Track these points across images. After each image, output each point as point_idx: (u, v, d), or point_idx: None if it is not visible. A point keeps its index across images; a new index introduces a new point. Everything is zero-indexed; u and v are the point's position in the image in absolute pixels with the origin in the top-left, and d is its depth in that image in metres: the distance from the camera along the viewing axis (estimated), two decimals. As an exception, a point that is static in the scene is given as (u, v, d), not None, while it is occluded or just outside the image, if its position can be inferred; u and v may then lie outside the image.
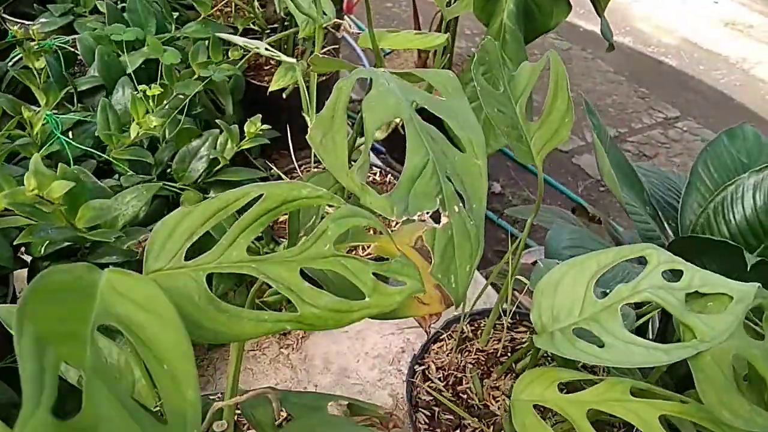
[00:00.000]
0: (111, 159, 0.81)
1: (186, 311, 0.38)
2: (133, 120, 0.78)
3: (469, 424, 0.68)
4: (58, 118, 0.84)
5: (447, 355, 0.75)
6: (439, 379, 0.72)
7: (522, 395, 0.53)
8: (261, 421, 0.48)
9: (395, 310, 0.52)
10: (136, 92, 0.82)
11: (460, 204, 0.47)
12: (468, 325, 0.79)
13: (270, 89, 0.88)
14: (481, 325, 0.79)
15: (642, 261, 0.56)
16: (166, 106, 0.91)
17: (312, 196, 0.42)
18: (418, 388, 0.71)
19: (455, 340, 0.77)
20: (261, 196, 0.41)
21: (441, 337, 0.77)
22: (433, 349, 0.76)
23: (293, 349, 0.94)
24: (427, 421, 0.68)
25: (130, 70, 0.94)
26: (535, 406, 0.52)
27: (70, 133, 0.84)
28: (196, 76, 0.93)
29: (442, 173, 0.47)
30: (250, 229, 0.41)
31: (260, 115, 0.80)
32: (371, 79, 0.58)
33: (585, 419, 0.49)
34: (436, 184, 0.47)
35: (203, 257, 0.40)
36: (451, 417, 0.69)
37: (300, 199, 0.42)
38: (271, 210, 0.41)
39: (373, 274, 0.40)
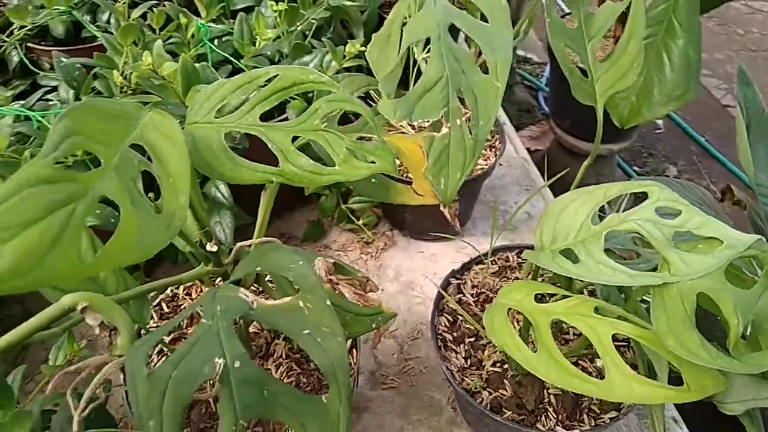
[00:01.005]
0: (241, 65, 0.96)
1: (205, 155, 0.50)
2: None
3: (485, 337, 0.73)
4: (209, 27, 1.01)
5: (484, 277, 0.80)
6: (471, 294, 0.78)
7: (501, 299, 0.58)
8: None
9: (391, 196, 0.60)
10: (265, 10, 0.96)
11: (463, 119, 0.52)
12: (516, 256, 0.83)
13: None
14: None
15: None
16: (298, 28, 1.04)
17: (317, 81, 0.50)
18: (448, 300, 0.78)
19: (498, 266, 0.81)
20: (277, 75, 0.51)
21: (485, 261, 0.82)
22: (474, 270, 0.81)
23: (372, 256, 1.05)
24: (448, 326, 0.75)
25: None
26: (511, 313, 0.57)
27: (215, 41, 1.01)
28: (325, 3, 1.04)
29: (453, 89, 0.53)
30: (265, 101, 0.51)
31: (362, 38, 0.89)
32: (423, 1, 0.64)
33: (547, 327, 0.53)
34: (444, 97, 0.53)
35: (226, 118, 0.51)
36: (471, 328, 0.75)
37: (308, 83, 0.51)
38: (284, 88, 0.51)
39: (346, 148, 0.48)
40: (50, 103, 0.91)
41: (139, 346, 0.38)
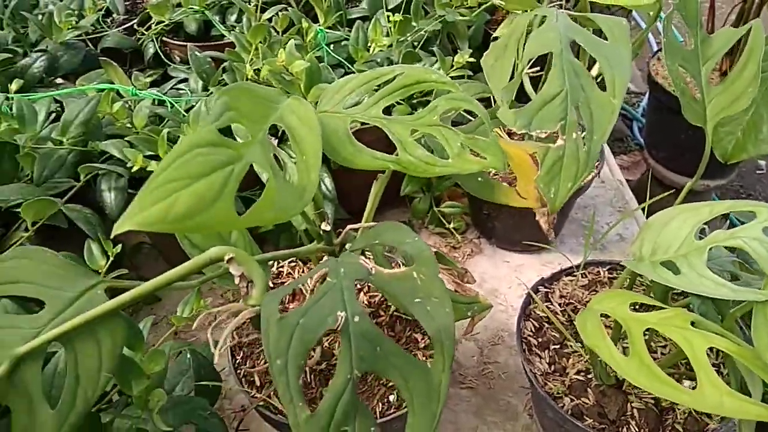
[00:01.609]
0: (354, 69, 1.03)
1: (332, 140, 0.55)
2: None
3: (570, 345, 0.75)
4: (326, 33, 1.08)
5: (573, 289, 0.81)
6: (559, 304, 0.79)
7: (594, 306, 0.59)
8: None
9: (495, 194, 0.63)
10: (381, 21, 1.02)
11: (579, 133, 0.55)
12: (607, 272, 0.83)
13: (493, 36, 1.00)
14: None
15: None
16: (408, 38, 1.09)
17: (439, 80, 0.54)
18: (536, 304, 0.79)
19: (588, 279, 0.82)
20: (402, 74, 0.55)
21: (575, 273, 0.83)
22: (564, 280, 0.82)
23: (458, 261, 1.08)
24: (533, 331, 0.77)
25: (390, 6, 1.15)
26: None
27: (331, 46, 1.08)
28: (437, 16, 1.09)
29: (572, 103, 0.55)
30: (389, 96, 0.56)
31: (470, 51, 0.93)
32: (544, 16, 0.67)
33: (641, 335, 0.54)
34: (562, 110, 0.55)
35: (352, 109, 0.56)
36: (557, 335, 0.76)
37: (430, 81, 0.55)
38: (407, 85, 0.55)
39: (460, 144, 0.51)
40: (181, 91, 1.00)
41: (272, 295, 0.43)
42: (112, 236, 0.36)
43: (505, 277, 1.05)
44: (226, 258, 0.43)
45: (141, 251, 1.02)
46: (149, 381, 0.48)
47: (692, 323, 0.53)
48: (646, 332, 0.56)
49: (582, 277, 0.83)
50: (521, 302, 0.78)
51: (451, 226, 1.08)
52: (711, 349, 0.70)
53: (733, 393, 0.48)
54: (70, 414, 0.43)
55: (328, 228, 0.62)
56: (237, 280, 0.44)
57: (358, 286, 0.73)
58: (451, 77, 0.95)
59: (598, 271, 0.83)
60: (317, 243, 0.62)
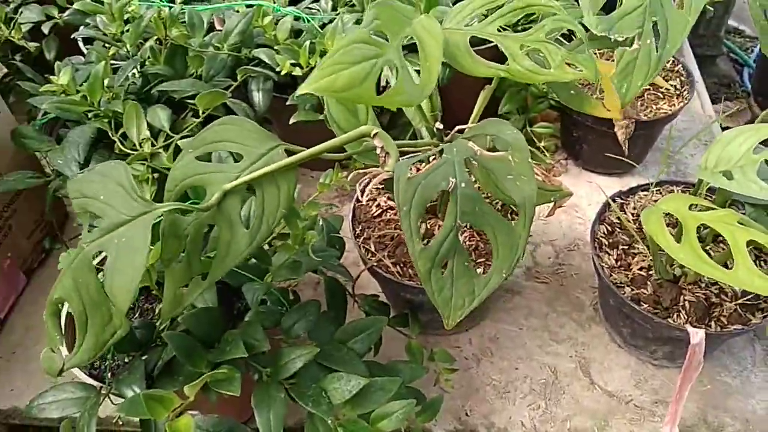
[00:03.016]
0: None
1: (453, 52, 0.68)
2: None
3: (638, 247, 0.87)
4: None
5: (647, 203, 0.92)
6: (632, 214, 0.91)
7: (660, 205, 0.71)
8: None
9: (584, 105, 0.74)
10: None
11: (653, 40, 0.65)
12: (680, 190, 0.93)
13: None
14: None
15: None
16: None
17: (546, 4, 0.66)
18: (611, 212, 0.91)
19: (661, 195, 0.93)
20: (515, -2, 0.67)
21: (650, 189, 0.93)
22: (639, 195, 0.93)
23: (557, 173, 1.19)
24: (606, 233, 0.89)
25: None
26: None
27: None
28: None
29: (650, 16, 0.66)
30: (503, 17, 0.68)
31: None
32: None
33: (693, 228, 0.66)
34: (640, 21, 0.66)
35: (472, 27, 0.69)
36: (626, 238, 0.88)
37: (538, 5, 0.66)
38: (519, 8, 0.67)
39: (561, 57, 0.63)
40: (313, 10, 1.15)
41: (404, 163, 0.58)
42: (297, 94, 0.52)
43: (586, 195, 1.16)
44: (372, 133, 0.59)
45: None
46: (306, 222, 0.65)
47: (739, 222, 0.64)
48: (705, 239, 0.67)
49: (656, 193, 0.93)
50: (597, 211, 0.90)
51: (542, 145, 1.19)
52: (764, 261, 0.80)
53: (763, 275, 0.60)
54: (257, 234, 0.61)
55: (441, 126, 0.76)
56: (378, 151, 0.59)
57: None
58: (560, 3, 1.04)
59: (672, 189, 0.93)
60: (431, 138, 0.76)
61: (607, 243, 0.88)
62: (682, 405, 0.77)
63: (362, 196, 0.60)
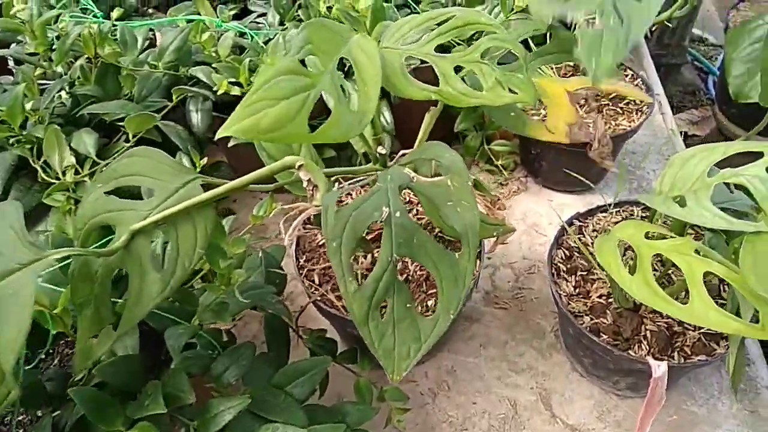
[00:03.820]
0: (418, 9, 1.09)
1: (389, 72, 0.63)
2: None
3: (596, 272, 0.82)
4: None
5: (606, 225, 0.87)
6: (591, 237, 0.86)
7: (615, 233, 0.66)
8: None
9: (526, 129, 0.70)
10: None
11: (616, 19, 0.59)
12: (641, 210, 0.89)
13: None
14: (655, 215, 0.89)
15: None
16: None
17: (486, 23, 0.61)
18: (569, 235, 0.87)
19: (621, 217, 0.89)
20: (454, 16, 0.62)
21: (610, 210, 0.89)
22: (598, 216, 0.89)
23: (504, 197, 1.15)
24: (563, 258, 0.85)
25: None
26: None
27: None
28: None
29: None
30: (441, 36, 0.63)
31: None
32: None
33: (649, 258, 0.61)
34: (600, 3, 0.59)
35: (409, 46, 0.64)
36: (585, 263, 0.84)
37: (479, 24, 0.62)
38: (458, 27, 0.62)
39: (496, 78, 0.58)
40: (260, 25, 1.10)
41: (332, 194, 0.53)
42: (216, 138, 0.46)
43: (546, 214, 1.12)
44: (297, 165, 0.53)
45: (220, 169, 1.14)
46: (231, 261, 0.60)
47: (696, 251, 0.60)
48: (661, 263, 0.63)
49: (616, 214, 0.89)
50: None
51: (500, 163, 1.15)
52: (726, 285, 0.76)
53: (719, 309, 0.55)
54: (171, 279, 0.55)
55: (384, 151, 0.71)
56: (305, 184, 0.54)
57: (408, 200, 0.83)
58: (513, 19, 1.00)
59: (632, 210, 0.89)
60: (374, 164, 0.71)
61: (565, 269, 0.83)
62: None
63: (286, 234, 0.54)
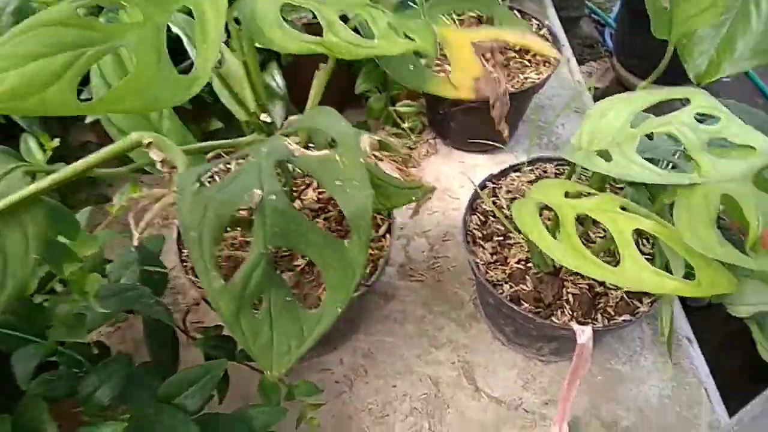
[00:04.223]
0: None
1: (261, 23, 0.53)
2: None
3: (513, 237, 0.77)
4: None
5: (520, 185, 0.82)
6: (505, 199, 0.81)
7: (532, 195, 0.60)
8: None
9: (427, 84, 0.62)
10: None
11: None
12: (554, 167, 0.84)
13: None
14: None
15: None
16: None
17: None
18: (482, 199, 0.81)
19: (535, 175, 0.83)
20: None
21: (523, 169, 0.84)
22: (512, 176, 0.83)
23: (415, 164, 1.08)
24: (478, 224, 0.79)
25: None
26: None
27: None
28: None
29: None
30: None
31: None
32: None
33: (572, 219, 0.55)
34: None
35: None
36: (500, 228, 0.78)
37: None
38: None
39: (388, 23, 0.50)
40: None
41: (191, 171, 0.42)
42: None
43: (459, 177, 1.06)
44: (145, 142, 0.42)
45: (88, 150, 0.99)
46: (83, 265, 0.48)
47: (622, 208, 0.55)
48: (580, 223, 0.58)
49: (529, 172, 0.84)
50: (471, 198, 0.79)
51: (406, 125, 1.07)
52: (645, 239, 0.72)
53: (652, 269, 0.51)
54: (1, 294, 0.43)
55: (268, 119, 0.61)
56: (159, 165, 0.43)
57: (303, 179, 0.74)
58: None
59: (546, 167, 0.84)
60: (258, 134, 0.61)
61: (481, 235, 0.77)
62: (570, 403, 0.69)
63: (136, 229, 0.44)
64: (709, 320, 0.92)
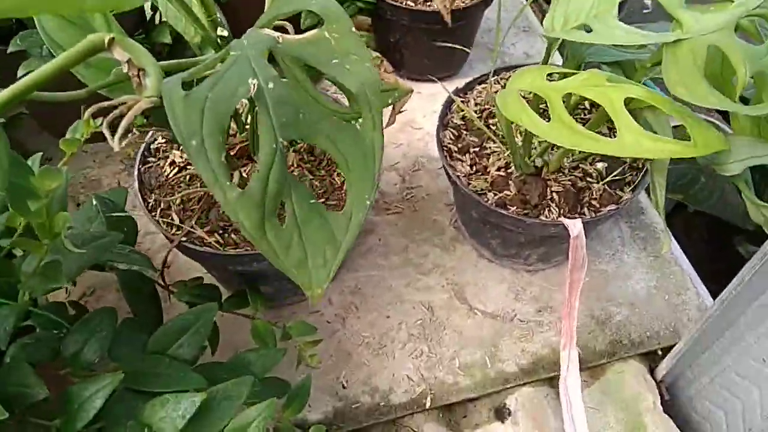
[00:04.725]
0: None
1: None
2: None
3: (490, 145, 0.75)
4: None
5: (488, 94, 0.80)
6: (475, 111, 0.79)
7: (512, 84, 0.59)
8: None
9: None
10: None
11: None
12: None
13: None
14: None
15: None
16: None
17: None
18: (453, 114, 0.79)
19: (500, 85, 0.82)
20: None
21: (487, 80, 0.82)
22: (477, 89, 0.82)
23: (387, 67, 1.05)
24: (452, 138, 0.77)
25: None
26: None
27: None
28: None
29: None
30: None
31: None
32: None
33: (560, 100, 0.54)
34: None
35: None
36: (475, 139, 0.76)
37: None
38: None
39: None
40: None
41: (173, 78, 0.38)
42: None
43: (419, 108, 1.03)
44: (107, 41, 0.38)
45: (20, 125, 0.91)
46: (47, 200, 0.43)
47: (609, 81, 0.54)
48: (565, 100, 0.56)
49: (495, 83, 0.82)
50: (434, 127, 0.77)
51: (358, 59, 1.03)
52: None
53: (650, 136, 0.50)
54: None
55: (226, 33, 0.56)
56: (126, 69, 0.39)
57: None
58: None
59: (509, 76, 0.83)
60: (215, 51, 0.56)
61: (456, 149, 0.75)
62: (575, 321, 0.68)
63: (114, 141, 0.39)
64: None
